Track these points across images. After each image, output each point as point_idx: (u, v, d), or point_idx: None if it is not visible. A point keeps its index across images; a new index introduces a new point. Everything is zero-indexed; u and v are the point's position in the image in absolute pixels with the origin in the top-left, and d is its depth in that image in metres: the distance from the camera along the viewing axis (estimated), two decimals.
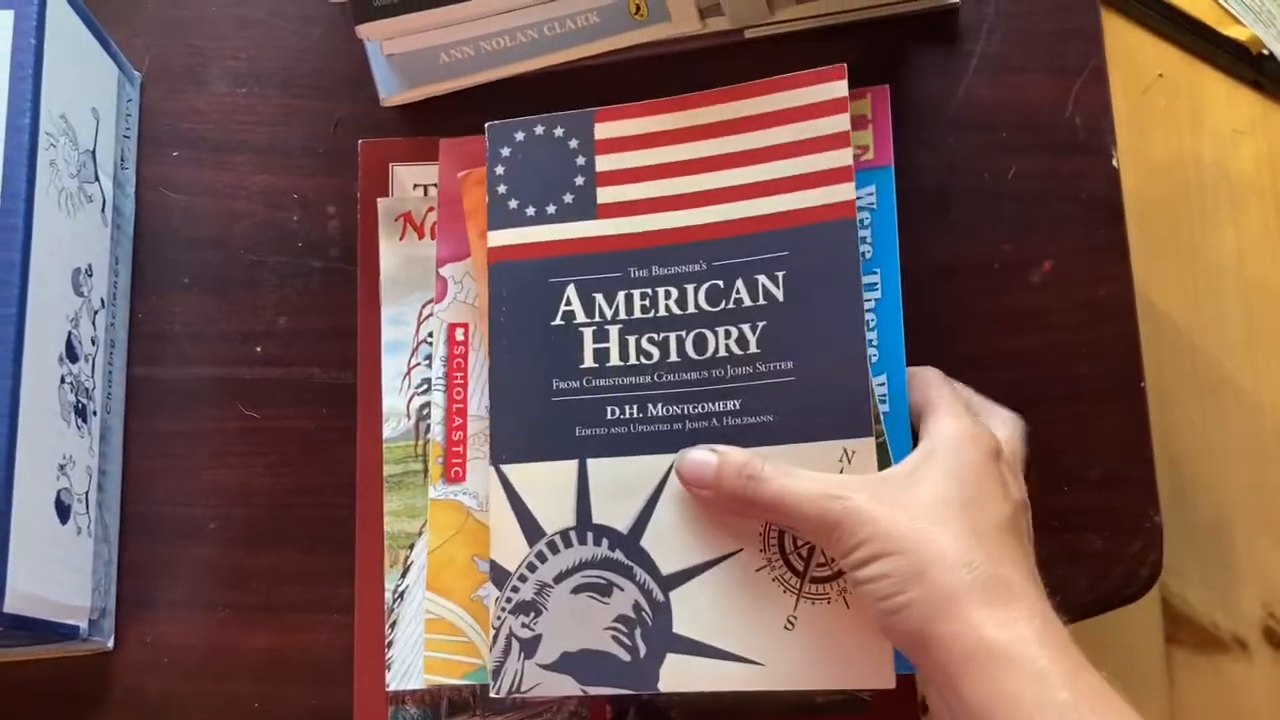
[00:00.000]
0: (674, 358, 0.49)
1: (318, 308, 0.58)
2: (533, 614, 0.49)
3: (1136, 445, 0.56)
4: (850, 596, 0.47)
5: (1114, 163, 0.59)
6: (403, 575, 0.53)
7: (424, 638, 0.51)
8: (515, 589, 0.49)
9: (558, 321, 0.50)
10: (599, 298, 0.50)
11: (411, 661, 0.52)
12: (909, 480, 0.46)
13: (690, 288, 0.50)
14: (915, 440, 0.49)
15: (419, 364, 0.55)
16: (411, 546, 0.54)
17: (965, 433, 0.47)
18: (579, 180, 0.52)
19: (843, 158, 0.49)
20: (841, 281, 0.49)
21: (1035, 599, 0.43)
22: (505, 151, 0.53)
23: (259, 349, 0.58)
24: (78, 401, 0.52)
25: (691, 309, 0.50)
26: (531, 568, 0.49)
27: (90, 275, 0.54)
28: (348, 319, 0.57)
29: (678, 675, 0.47)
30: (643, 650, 0.48)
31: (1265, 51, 1.14)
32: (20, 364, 0.47)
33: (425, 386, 0.55)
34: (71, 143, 0.52)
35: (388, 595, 0.53)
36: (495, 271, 0.51)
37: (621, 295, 0.50)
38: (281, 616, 0.55)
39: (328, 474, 0.56)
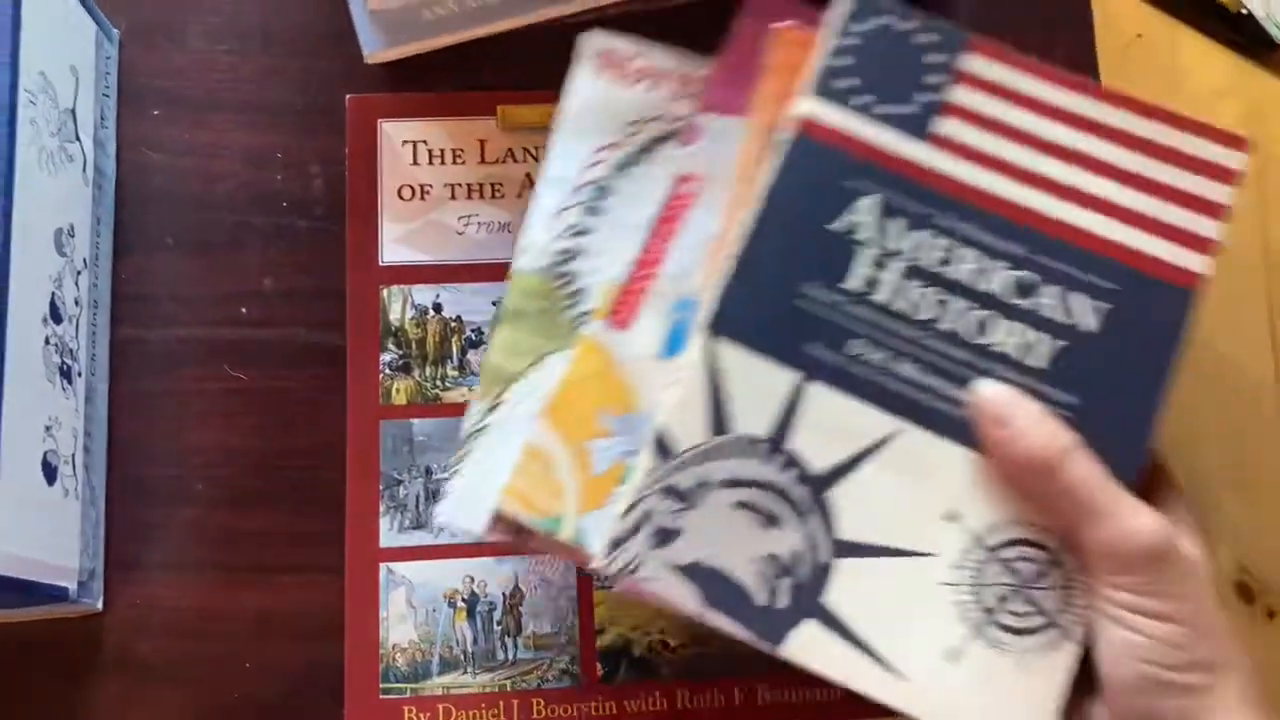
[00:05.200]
0: (947, 326, 0.44)
1: (303, 268, 0.58)
2: (683, 505, 0.43)
3: None
4: (1031, 661, 0.43)
5: None
6: (490, 410, 0.49)
7: (518, 461, 0.46)
8: (676, 470, 0.43)
9: (836, 226, 0.45)
10: (895, 225, 0.44)
11: (468, 499, 0.48)
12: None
13: (1000, 266, 0.44)
14: None
15: (576, 206, 0.51)
16: (508, 386, 0.49)
17: (1200, 552, 0.43)
18: (924, 97, 0.46)
19: (1210, 228, 0.45)
20: (1161, 349, 0.44)
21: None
22: (859, 26, 0.46)
23: (244, 310, 0.57)
24: (63, 363, 0.51)
25: (992, 287, 0.44)
26: (702, 458, 0.43)
27: (72, 236, 0.53)
28: (334, 279, 0.57)
29: (808, 647, 0.42)
30: (782, 602, 0.43)
31: (1244, 11, 1.14)
32: (4, 325, 0.46)
33: (573, 232, 0.51)
34: (51, 101, 0.52)
35: (465, 425, 0.49)
36: (796, 145, 0.45)
37: (922, 235, 0.44)
38: (271, 577, 0.55)
39: (315, 435, 0.56)
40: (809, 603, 0.43)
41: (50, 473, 0.49)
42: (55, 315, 0.51)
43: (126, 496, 0.55)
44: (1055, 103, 0.46)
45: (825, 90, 0.45)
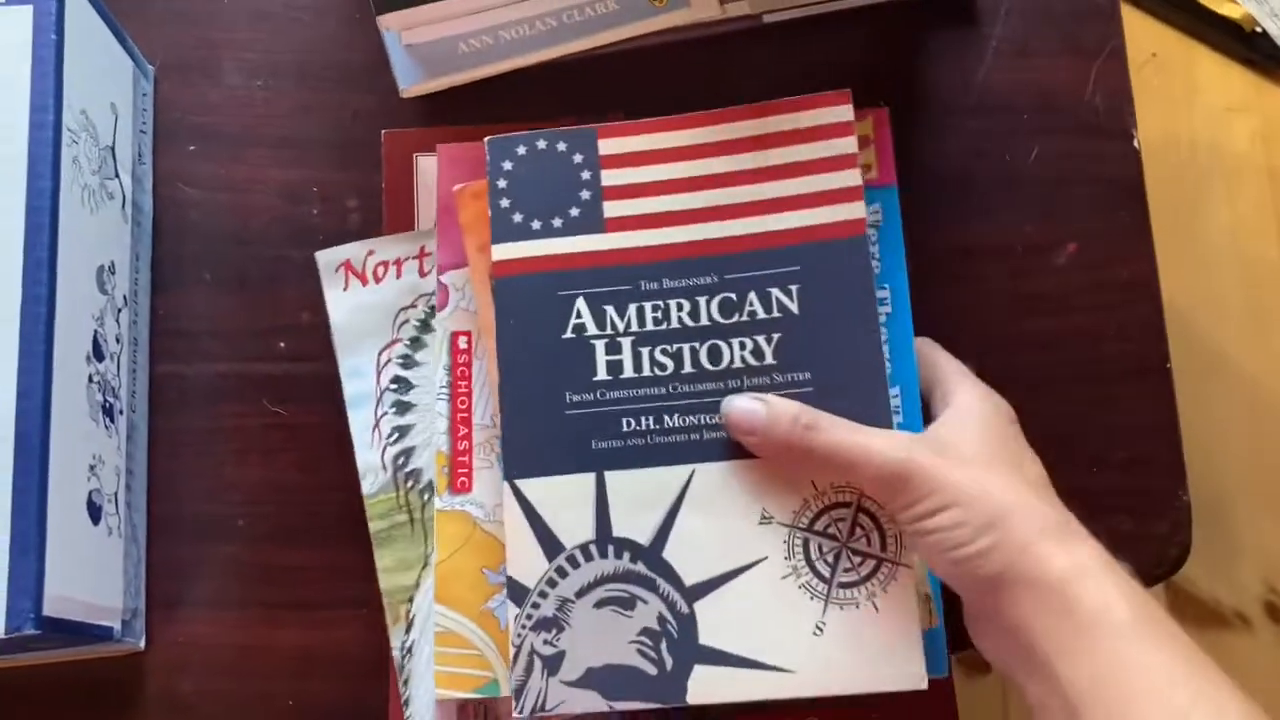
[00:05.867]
0: (689, 369, 0.50)
1: None
2: (555, 630, 0.48)
3: (1163, 426, 0.57)
4: (880, 600, 0.48)
5: (1135, 143, 0.59)
6: (407, 630, 0.52)
7: (434, 650, 0.50)
8: (535, 605, 0.49)
9: (568, 335, 0.51)
10: (610, 310, 0.51)
11: (430, 715, 0.52)
12: (954, 441, 0.47)
13: (702, 300, 0.50)
14: (926, 414, 0.51)
15: (386, 413, 0.54)
16: (411, 599, 0.52)
17: (988, 399, 0.49)
18: (585, 194, 0.52)
19: (851, 177, 0.51)
20: (856, 295, 0.50)
21: (1091, 537, 0.45)
22: (507, 165, 0.53)
23: (282, 344, 0.57)
24: (105, 401, 0.51)
25: (705, 321, 0.50)
26: (551, 583, 0.49)
27: (113, 273, 0.53)
28: None
29: (706, 686, 0.48)
30: (669, 663, 0.48)
31: (1258, 29, 1.15)
32: (51, 364, 0.46)
33: (396, 436, 0.54)
34: (92, 139, 0.52)
35: (396, 654, 0.52)
36: (501, 286, 0.51)
37: (633, 308, 0.51)
38: (312, 613, 0.55)
39: (356, 469, 0.55)
40: (689, 651, 0.48)
41: (95, 512, 0.49)
42: (98, 353, 0.51)
43: (167, 534, 0.55)
44: (686, 143, 0.52)
45: (503, 233, 0.52)
